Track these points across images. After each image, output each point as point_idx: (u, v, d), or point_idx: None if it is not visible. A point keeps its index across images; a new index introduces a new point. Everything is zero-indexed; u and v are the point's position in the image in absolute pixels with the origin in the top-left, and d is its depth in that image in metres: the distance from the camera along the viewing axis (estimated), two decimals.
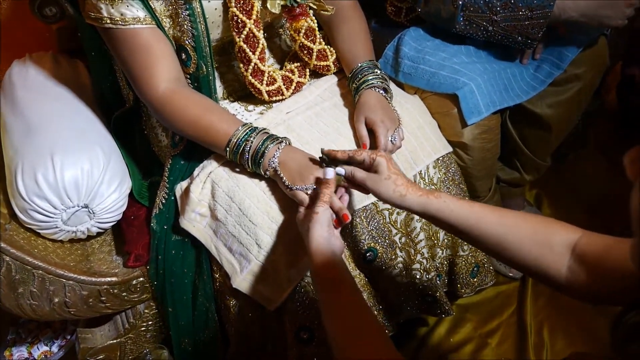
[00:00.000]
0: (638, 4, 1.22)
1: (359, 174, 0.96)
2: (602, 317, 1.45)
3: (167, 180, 1.18)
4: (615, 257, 0.72)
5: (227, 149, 1.04)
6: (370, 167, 0.97)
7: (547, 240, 0.79)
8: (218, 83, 1.26)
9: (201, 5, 1.05)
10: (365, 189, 0.99)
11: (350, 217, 0.97)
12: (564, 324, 1.47)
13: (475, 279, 1.40)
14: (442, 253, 1.33)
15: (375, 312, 1.23)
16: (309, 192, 0.99)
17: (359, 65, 1.21)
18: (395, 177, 0.93)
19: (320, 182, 0.99)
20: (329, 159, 1.01)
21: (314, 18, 1.21)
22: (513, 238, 0.81)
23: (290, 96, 1.25)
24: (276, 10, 1.14)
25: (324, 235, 0.91)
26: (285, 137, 1.05)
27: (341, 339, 0.79)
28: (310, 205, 0.98)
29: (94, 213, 1.16)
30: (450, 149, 1.31)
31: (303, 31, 1.20)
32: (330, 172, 0.97)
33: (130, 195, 1.25)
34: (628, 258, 0.63)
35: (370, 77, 1.18)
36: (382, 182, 0.93)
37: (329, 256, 0.88)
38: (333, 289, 0.86)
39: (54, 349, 1.48)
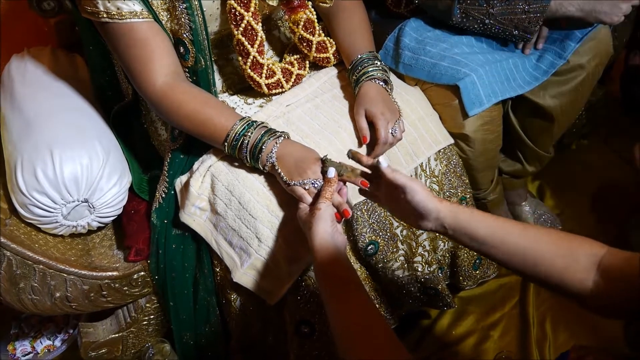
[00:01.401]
0: (635, 1, 1.21)
1: (401, 175, 0.94)
2: None
3: (166, 175, 1.18)
4: (634, 277, 0.71)
5: (225, 143, 1.04)
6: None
7: (572, 253, 0.79)
8: (217, 76, 1.25)
9: None
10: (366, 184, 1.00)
11: (351, 213, 0.97)
12: (566, 316, 1.46)
13: (477, 271, 1.40)
14: (444, 245, 1.32)
15: (377, 306, 1.23)
16: (307, 187, 0.99)
17: (359, 56, 1.20)
18: (430, 190, 0.94)
19: (317, 176, 0.99)
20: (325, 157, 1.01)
21: (312, 10, 1.20)
22: (538, 250, 0.81)
23: (289, 89, 1.24)
24: (274, 2, 1.13)
25: (327, 230, 0.90)
26: (283, 132, 1.05)
27: (346, 335, 0.78)
28: (311, 201, 0.98)
29: (94, 207, 1.16)
30: (452, 141, 1.30)
31: (302, 23, 1.19)
32: (332, 172, 0.97)
33: (131, 189, 1.25)
34: None
35: (371, 69, 1.18)
36: (423, 187, 0.92)
37: (332, 252, 0.88)
38: (337, 286, 0.86)
39: (57, 343, 1.49)
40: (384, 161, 0.95)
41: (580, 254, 0.79)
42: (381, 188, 0.98)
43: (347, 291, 0.85)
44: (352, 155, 1.02)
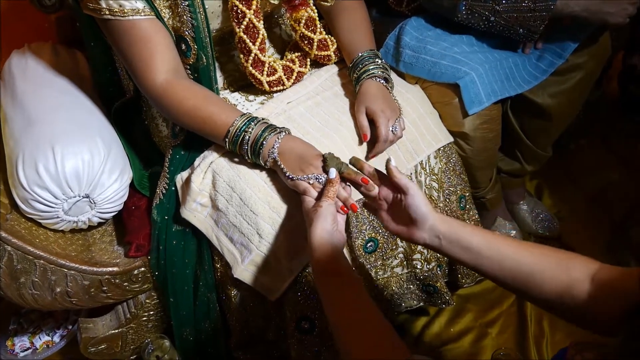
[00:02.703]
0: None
1: (404, 177, 0.95)
2: None
3: (167, 171, 1.18)
4: (632, 286, 0.72)
5: (226, 139, 1.04)
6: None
7: (566, 266, 0.79)
8: (218, 73, 1.25)
9: None
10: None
11: (358, 207, 0.97)
12: None
13: None
14: None
15: (376, 303, 1.23)
16: (311, 182, 0.99)
17: (360, 54, 1.20)
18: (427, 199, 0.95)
19: (320, 172, 1.00)
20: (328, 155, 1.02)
21: (314, 8, 1.20)
22: (532, 262, 0.81)
23: (290, 86, 1.25)
24: (276, 0, 1.14)
25: (327, 229, 0.91)
26: (284, 127, 1.05)
27: (344, 330, 0.79)
28: (316, 196, 0.98)
29: (95, 203, 1.16)
30: (452, 139, 1.31)
31: (303, 21, 1.19)
32: (333, 173, 0.97)
33: (131, 185, 1.25)
34: None
35: (371, 67, 1.18)
36: (423, 195, 0.93)
37: (330, 250, 0.88)
38: (335, 282, 0.86)
39: (56, 338, 1.49)
40: (392, 160, 0.97)
41: (574, 267, 0.79)
42: (380, 193, 0.99)
43: (345, 287, 0.85)
44: (354, 162, 1.02)
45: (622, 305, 0.72)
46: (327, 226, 0.91)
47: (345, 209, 0.97)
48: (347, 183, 1.01)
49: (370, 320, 0.80)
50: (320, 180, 0.99)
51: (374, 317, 0.81)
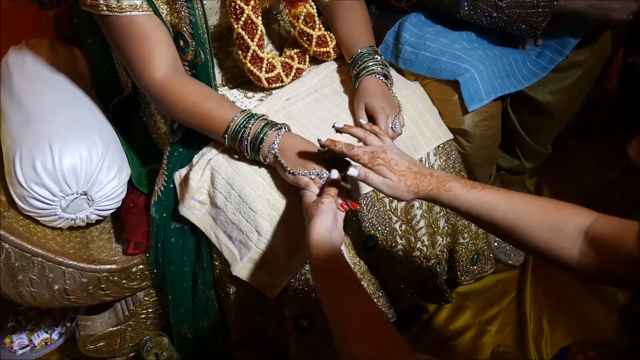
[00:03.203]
0: None
1: (374, 177, 0.93)
2: (601, 305, 1.45)
3: (165, 168, 1.18)
4: (627, 240, 0.71)
5: (226, 135, 1.03)
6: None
7: (559, 224, 0.79)
8: (217, 70, 1.25)
9: None
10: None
11: (358, 205, 0.96)
12: (563, 311, 1.47)
13: (475, 267, 1.40)
14: (442, 240, 1.33)
15: (375, 300, 1.23)
16: (312, 177, 0.98)
17: (359, 51, 1.20)
18: (404, 178, 0.91)
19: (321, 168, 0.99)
20: (330, 155, 1.01)
21: (313, 4, 1.20)
22: (524, 224, 0.81)
23: (289, 83, 1.24)
24: None
25: (326, 226, 0.90)
26: (284, 124, 1.05)
27: (343, 327, 0.78)
28: (317, 193, 0.98)
29: (93, 200, 1.16)
30: (451, 136, 1.31)
31: (302, 17, 1.19)
32: (335, 173, 0.96)
33: (130, 182, 1.25)
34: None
35: (371, 63, 1.18)
36: (396, 185, 0.91)
37: (329, 247, 0.88)
38: (334, 279, 0.86)
39: (54, 336, 1.49)
40: (353, 170, 0.92)
41: (568, 224, 0.78)
42: None
43: (344, 284, 0.85)
44: (338, 129, 1.01)
45: (621, 265, 0.71)
46: (327, 223, 0.91)
47: (345, 206, 0.96)
48: (348, 182, 1.01)
49: (370, 318, 0.80)
50: (322, 177, 0.98)
51: (373, 315, 0.80)
